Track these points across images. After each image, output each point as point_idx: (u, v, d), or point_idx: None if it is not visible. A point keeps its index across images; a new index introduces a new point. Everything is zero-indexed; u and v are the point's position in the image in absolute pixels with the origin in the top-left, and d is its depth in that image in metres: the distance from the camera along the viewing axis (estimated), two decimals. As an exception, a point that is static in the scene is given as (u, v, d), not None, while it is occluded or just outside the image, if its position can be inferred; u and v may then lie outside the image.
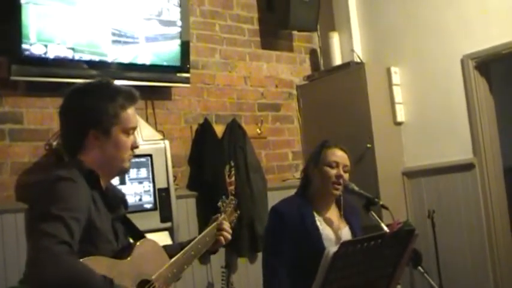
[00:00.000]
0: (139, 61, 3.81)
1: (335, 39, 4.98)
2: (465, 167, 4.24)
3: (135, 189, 3.51)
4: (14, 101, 3.46)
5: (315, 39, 5.21)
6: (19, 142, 3.44)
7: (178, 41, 4.01)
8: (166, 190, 3.62)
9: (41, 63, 3.38)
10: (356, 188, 2.60)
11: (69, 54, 3.48)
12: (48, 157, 3.45)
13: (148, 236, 1.99)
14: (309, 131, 4.88)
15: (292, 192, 2.80)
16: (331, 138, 2.77)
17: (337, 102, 4.60)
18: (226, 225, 2.19)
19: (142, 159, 3.54)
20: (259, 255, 3.69)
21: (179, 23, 4.02)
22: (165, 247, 2.03)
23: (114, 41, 3.68)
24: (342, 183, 2.59)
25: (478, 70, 4.24)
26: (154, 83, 3.93)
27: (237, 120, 4.39)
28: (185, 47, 4.07)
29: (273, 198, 3.91)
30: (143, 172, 3.55)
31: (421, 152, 4.53)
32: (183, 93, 4.22)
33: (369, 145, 4.35)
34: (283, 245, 2.54)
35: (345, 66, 4.73)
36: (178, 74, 4.05)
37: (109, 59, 3.66)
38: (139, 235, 1.96)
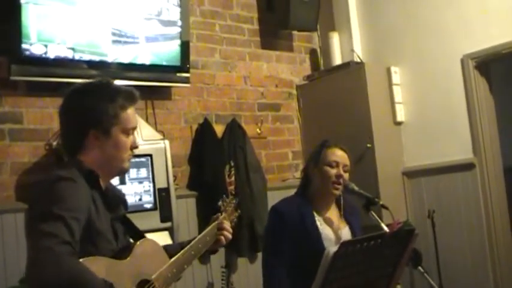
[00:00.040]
0: (139, 61, 3.81)
1: (335, 39, 4.98)
2: (465, 167, 4.24)
3: (135, 189, 3.51)
4: (14, 101, 3.46)
5: (315, 39, 5.21)
6: (19, 142, 3.44)
7: (178, 41, 4.01)
8: (166, 190, 3.62)
9: (41, 63, 3.37)
10: (356, 188, 2.60)
11: (69, 54, 3.48)
12: (48, 157, 3.45)
13: (148, 236, 1.99)
14: (308, 130, 4.88)
15: (292, 192, 2.80)
16: (331, 138, 2.77)
17: (337, 102, 4.60)
18: (227, 225, 2.18)
19: (142, 159, 3.54)
20: (259, 255, 3.69)
21: (179, 23, 4.02)
22: (165, 247, 2.03)
23: (114, 41, 3.68)
24: (342, 183, 2.59)
25: (478, 70, 4.24)
26: (154, 83, 3.93)
27: (236, 120, 4.39)
28: (185, 47, 4.07)
29: (273, 198, 3.91)
30: (143, 172, 3.55)
31: (421, 151, 4.53)
32: (183, 93, 4.22)
33: (369, 145, 4.35)
34: (283, 245, 2.54)
35: (345, 66, 4.73)
36: (178, 74, 4.05)
37: (109, 59, 3.66)
38: (139, 235, 1.96)
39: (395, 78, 4.66)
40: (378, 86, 4.56)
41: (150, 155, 3.58)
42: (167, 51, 3.97)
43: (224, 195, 2.32)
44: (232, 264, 4.15)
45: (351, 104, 4.51)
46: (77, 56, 3.51)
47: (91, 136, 1.85)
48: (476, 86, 4.22)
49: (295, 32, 5.03)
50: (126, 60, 3.74)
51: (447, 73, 4.36)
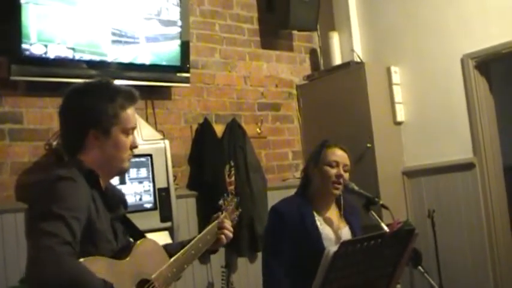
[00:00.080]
0: (139, 61, 3.81)
1: (335, 38, 4.98)
2: (465, 167, 4.24)
3: (135, 188, 3.51)
4: (14, 101, 3.46)
5: (314, 38, 5.21)
6: (19, 142, 3.44)
7: (178, 41, 4.01)
8: (166, 190, 3.62)
9: (41, 63, 3.37)
10: (356, 188, 2.60)
11: (69, 54, 3.48)
12: (48, 157, 3.45)
13: (148, 235, 1.99)
14: (309, 130, 4.88)
15: (292, 191, 2.80)
16: (331, 138, 2.77)
17: (337, 101, 4.60)
18: (228, 224, 2.18)
19: (142, 159, 3.54)
20: (259, 254, 3.69)
21: (179, 22, 4.02)
22: (165, 246, 2.03)
23: (114, 41, 3.68)
24: (342, 183, 2.59)
25: (478, 70, 4.24)
26: (154, 83, 3.93)
27: (236, 119, 4.39)
28: (185, 47, 4.07)
29: (273, 198, 3.91)
30: (143, 172, 3.55)
31: (421, 151, 4.53)
32: (183, 93, 4.22)
33: (368, 145, 4.35)
34: (283, 245, 2.54)
35: (345, 65, 4.73)
36: (178, 74, 4.05)
37: (109, 59, 3.66)
38: (139, 235, 1.96)
39: (395, 78, 4.66)
40: (378, 86, 4.56)
41: (150, 155, 3.58)
42: (167, 51, 3.97)
43: (225, 194, 2.31)
44: (232, 264, 4.15)
45: (351, 104, 4.51)
46: (77, 56, 3.51)
47: (91, 136, 1.85)
48: (476, 86, 4.22)
49: (295, 32, 5.03)
50: (126, 60, 3.74)
51: (447, 73, 4.36)
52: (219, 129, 4.29)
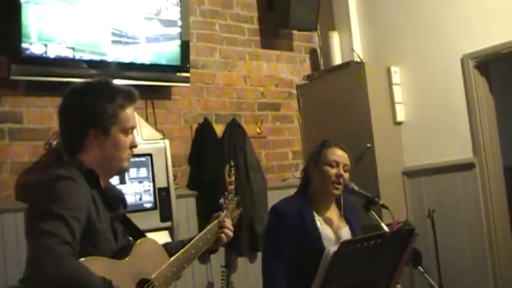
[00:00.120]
0: (139, 61, 3.80)
1: (335, 38, 4.98)
2: (465, 167, 4.24)
3: (135, 188, 3.51)
4: (14, 101, 3.46)
5: (314, 38, 5.21)
6: (19, 141, 3.44)
7: (178, 41, 4.01)
8: (166, 189, 3.62)
9: (41, 62, 3.37)
10: (356, 188, 2.59)
11: (69, 54, 3.48)
12: (47, 156, 3.45)
13: (148, 235, 1.99)
14: (308, 130, 4.88)
15: (292, 191, 2.80)
16: (331, 138, 2.77)
17: (337, 101, 4.60)
18: (228, 223, 2.18)
19: (142, 159, 3.54)
20: (259, 254, 3.69)
21: (179, 22, 4.02)
22: (165, 245, 2.03)
23: (114, 41, 3.68)
24: (342, 183, 2.59)
25: (478, 70, 4.24)
26: (154, 83, 3.93)
27: (236, 119, 4.39)
28: (185, 47, 4.06)
29: (273, 198, 3.91)
30: (143, 171, 3.55)
31: (421, 151, 4.53)
32: (183, 92, 4.22)
33: (368, 145, 4.35)
34: (283, 245, 2.54)
35: (345, 65, 4.73)
36: (178, 74, 4.05)
37: (109, 59, 3.66)
38: (139, 234, 1.96)
39: (395, 78, 4.66)
40: (378, 86, 4.56)
41: (150, 155, 3.58)
42: (167, 51, 3.96)
43: (226, 193, 2.31)
44: (232, 264, 4.15)
45: (351, 104, 4.50)
46: (77, 56, 3.51)
47: (91, 136, 1.85)
48: (476, 86, 4.22)
49: (295, 32, 5.03)
50: (126, 60, 3.74)
51: (447, 73, 4.36)
52: (219, 129, 4.29)
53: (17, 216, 3.15)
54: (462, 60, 4.26)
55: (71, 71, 3.42)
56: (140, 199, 3.52)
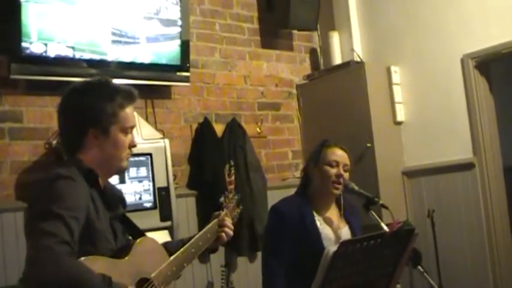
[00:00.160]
0: (139, 60, 3.80)
1: (335, 38, 4.98)
2: (465, 167, 4.24)
3: (135, 188, 3.51)
4: (14, 100, 3.46)
5: (315, 38, 5.21)
6: (19, 141, 3.44)
7: (178, 41, 4.01)
8: (166, 189, 3.62)
9: (41, 61, 3.37)
10: (356, 188, 2.59)
11: (69, 53, 3.47)
12: (47, 156, 3.45)
13: (148, 235, 1.99)
14: (308, 130, 4.88)
15: (292, 191, 2.80)
16: (331, 138, 2.77)
17: (337, 101, 4.60)
18: (228, 222, 2.17)
19: (142, 158, 3.54)
20: (259, 254, 3.69)
21: (179, 22, 4.02)
22: (165, 244, 2.03)
23: (114, 41, 3.67)
24: (342, 183, 2.59)
25: (478, 70, 4.24)
26: (154, 82, 3.93)
27: (236, 119, 4.39)
28: (185, 46, 4.06)
29: (273, 198, 3.91)
30: (143, 171, 3.55)
31: (421, 151, 4.53)
32: (183, 92, 4.22)
33: (368, 144, 4.35)
34: (283, 245, 2.54)
35: (345, 65, 4.73)
36: (178, 73, 4.05)
37: (109, 58, 3.65)
38: (138, 234, 1.96)
39: (396, 77, 4.66)
40: (378, 86, 4.56)
41: (150, 154, 3.58)
42: (167, 51, 3.96)
43: (226, 191, 2.31)
44: (232, 264, 4.15)
45: (351, 104, 4.50)
46: (77, 55, 3.51)
47: (90, 135, 1.84)
48: (476, 86, 4.22)
49: (295, 32, 5.03)
50: (126, 60, 3.74)
51: (447, 73, 4.35)
52: (219, 128, 4.28)
53: (16, 215, 3.14)
54: (462, 60, 4.26)
55: (71, 71, 3.42)
56: (140, 198, 3.52)
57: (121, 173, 2.27)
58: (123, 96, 1.89)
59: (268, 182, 4.43)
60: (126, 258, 1.77)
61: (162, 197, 3.59)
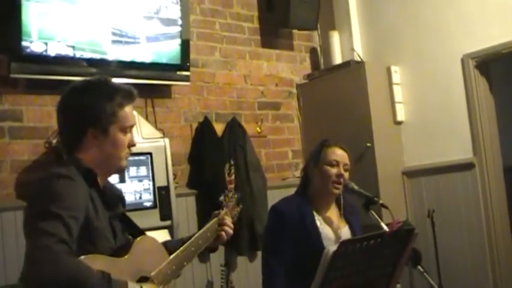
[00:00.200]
0: (139, 59, 3.80)
1: (335, 38, 4.97)
2: (465, 167, 4.24)
3: (135, 187, 3.51)
4: (14, 99, 3.46)
5: (315, 38, 5.21)
6: (19, 140, 3.44)
7: (178, 40, 4.01)
8: (166, 188, 3.62)
9: (41, 60, 3.37)
10: (356, 187, 2.60)
11: (70, 52, 3.47)
12: (47, 155, 3.45)
13: (148, 234, 1.99)
14: (309, 129, 4.88)
15: (292, 191, 2.80)
16: (331, 137, 2.76)
17: (337, 101, 4.60)
18: (228, 220, 2.17)
19: (142, 157, 3.54)
20: (259, 253, 3.69)
21: (179, 21, 4.02)
22: (165, 243, 2.02)
23: (114, 40, 3.67)
24: (342, 182, 2.59)
25: (478, 69, 4.23)
26: (154, 81, 3.93)
27: (236, 118, 4.39)
28: (185, 46, 4.06)
29: (273, 197, 3.91)
30: (143, 170, 3.55)
31: (421, 151, 4.53)
32: (183, 91, 4.22)
33: (368, 144, 4.35)
34: (283, 244, 2.54)
35: (345, 65, 4.73)
36: (178, 72, 4.05)
37: (109, 57, 3.65)
38: (138, 232, 1.96)
39: (396, 77, 4.66)
40: (378, 85, 4.56)
41: (150, 153, 3.58)
42: (167, 50, 3.96)
43: (226, 190, 2.30)
44: (232, 263, 4.15)
45: (351, 103, 4.50)
46: (77, 54, 3.51)
47: (89, 134, 1.84)
48: (476, 86, 4.22)
49: (295, 31, 5.03)
50: (126, 59, 3.74)
51: (447, 73, 4.35)
52: (219, 128, 4.28)
53: (16, 214, 3.15)
54: (462, 60, 4.26)
55: (71, 70, 3.42)
56: (140, 198, 3.52)
57: (120, 172, 2.27)
58: (123, 95, 1.89)
59: (268, 181, 4.43)
60: (126, 256, 1.77)
61: (162, 196, 3.59)
